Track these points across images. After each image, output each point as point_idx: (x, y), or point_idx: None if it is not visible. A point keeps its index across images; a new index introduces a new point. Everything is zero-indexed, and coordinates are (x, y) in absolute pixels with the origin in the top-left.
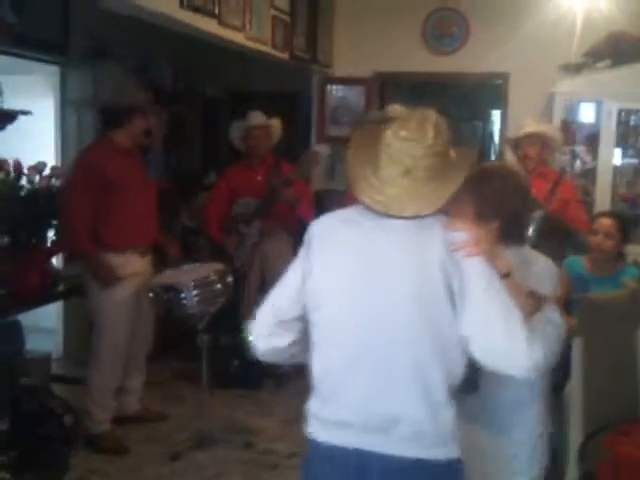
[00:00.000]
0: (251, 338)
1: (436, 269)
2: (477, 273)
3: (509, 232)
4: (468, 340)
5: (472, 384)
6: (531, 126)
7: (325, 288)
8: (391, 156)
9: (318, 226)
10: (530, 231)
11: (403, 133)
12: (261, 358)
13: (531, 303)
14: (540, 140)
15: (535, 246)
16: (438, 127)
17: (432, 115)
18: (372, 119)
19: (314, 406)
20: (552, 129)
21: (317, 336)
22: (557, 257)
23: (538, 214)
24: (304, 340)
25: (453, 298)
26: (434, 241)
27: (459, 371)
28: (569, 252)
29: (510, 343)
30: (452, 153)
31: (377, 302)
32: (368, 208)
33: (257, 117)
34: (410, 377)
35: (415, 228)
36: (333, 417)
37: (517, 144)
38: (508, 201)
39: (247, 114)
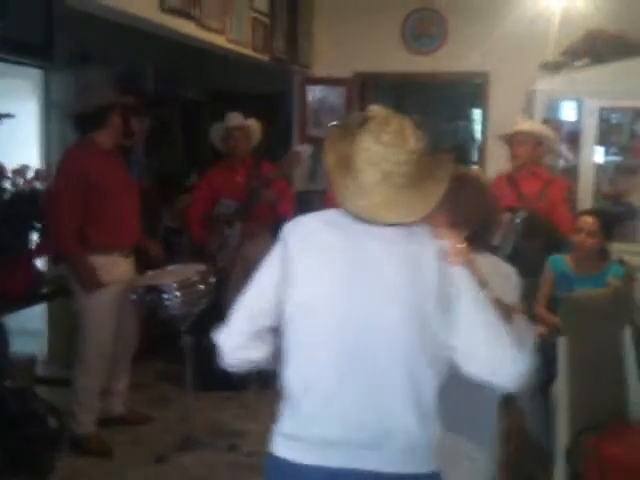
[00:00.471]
0: (221, 345)
1: (430, 277)
2: (465, 282)
3: (478, 240)
4: (455, 350)
5: None
6: (523, 124)
7: (311, 297)
8: (369, 161)
9: (298, 227)
10: (509, 233)
11: (385, 137)
12: (228, 367)
13: (499, 312)
14: (532, 139)
15: (517, 247)
16: (417, 133)
17: (409, 121)
18: (354, 121)
19: (291, 426)
20: (545, 128)
21: (299, 350)
22: (540, 259)
23: (520, 215)
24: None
25: (442, 306)
26: (426, 249)
27: (442, 380)
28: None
29: (501, 354)
30: (429, 161)
31: (369, 310)
32: (350, 214)
33: (235, 118)
34: (404, 388)
35: (405, 235)
36: (318, 436)
37: (509, 142)
38: (480, 209)
39: (226, 115)
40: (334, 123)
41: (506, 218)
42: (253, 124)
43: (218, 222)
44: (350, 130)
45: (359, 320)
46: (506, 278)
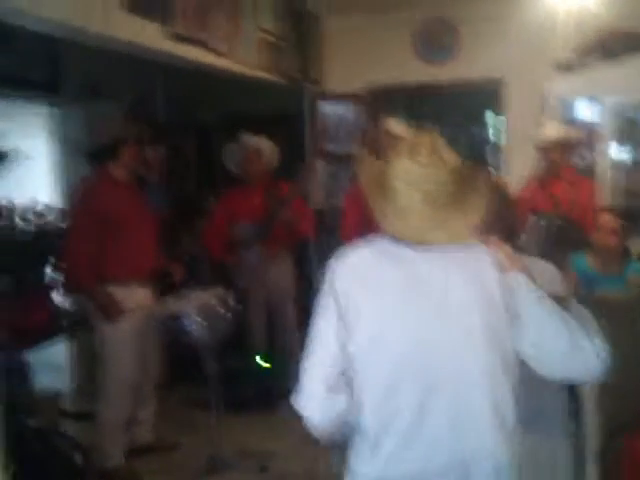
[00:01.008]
0: (305, 411)
1: (493, 291)
2: (526, 287)
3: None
4: (529, 357)
5: None
6: (553, 130)
7: (378, 334)
8: (410, 183)
9: (347, 264)
10: (534, 236)
11: (422, 158)
12: (322, 432)
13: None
14: (565, 144)
15: (543, 251)
16: (450, 148)
17: (439, 137)
18: (380, 141)
19: (373, 467)
20: (574, 131)
21: (373, 389)
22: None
23: (555, 223)
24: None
25: (509, 317)
26: (483, 263)
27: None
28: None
29: (580, 353)
30: (469, 175)
31: (440, 338)
32: (396, 238)
33: (249, 140)
34: (487, 411)
35: (462, 253)
36: (402, 473)
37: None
38: (507, 214)
39: (239, 138)
40: (359, 147)
41: (531, 221)
42: (268, 146)
43: (237, 246)
44: (380, 151)
45: (432, 351)
46: (551, 273)
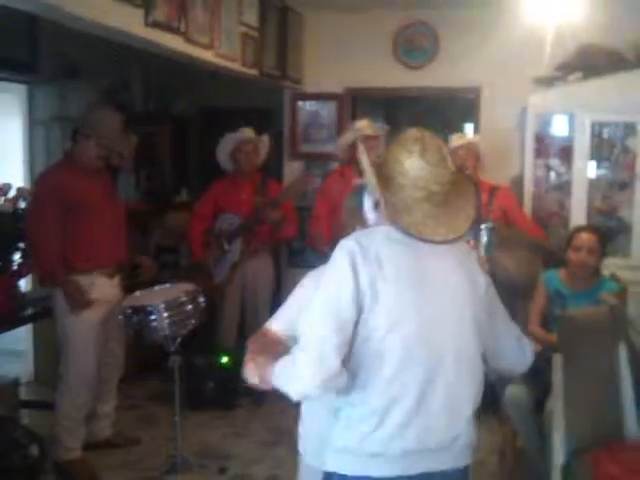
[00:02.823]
0: (314, 376)
1: (482, 289)
2: (493, 289)
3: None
4: (490, 349)
5: None
6: (459, 139)
7: (388, 318)
8: (416, 180)
9: (369, 248)
10: (482, 244)
11: (430, 158)
12: (304, 396)
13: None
14: (469, 152)
15: (492, 258)
16: (448, 151)
17: (438, 138)
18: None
19: (373, 444)
20: (473, 139)
21: (379, 369)
22: (532, 265)
23: (487, 226)
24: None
25: (488, 315)
26: (474, 262)
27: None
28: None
29: (524, 348)
30: (456, 178)
31: (443, 327)
32: (402, 231)
33: (247, 132)
34: (471, 394)
35: (460, 252)
36: (400, 449)
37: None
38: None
39: (238, 130)
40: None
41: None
42: (264, 139)
43: (218, 237)
44: (391, 153)
45: (435, 336)
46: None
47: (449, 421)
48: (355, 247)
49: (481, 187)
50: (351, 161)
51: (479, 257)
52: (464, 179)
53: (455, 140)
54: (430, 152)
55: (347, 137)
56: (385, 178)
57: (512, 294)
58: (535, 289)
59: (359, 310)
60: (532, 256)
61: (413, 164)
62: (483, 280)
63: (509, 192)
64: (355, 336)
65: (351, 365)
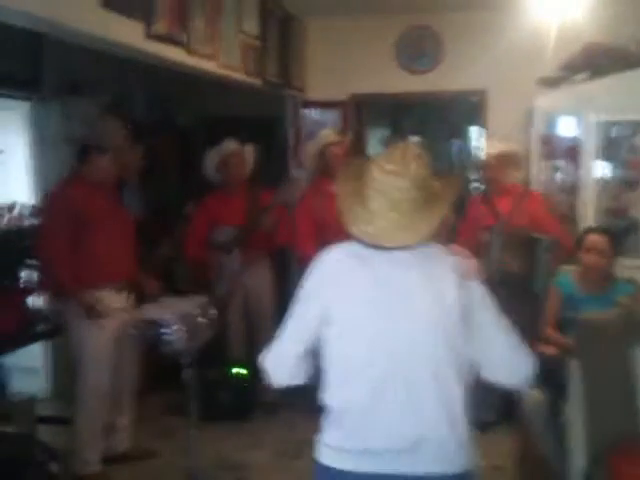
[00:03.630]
0: (272, 368)
1: (451, 293)
2: (485, 297)
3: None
4: (479, 360)
5: None
6: (491, 148)
7: (344, 322)
8: (378, 190)
9: (329, 261)
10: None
11: (388, 167)
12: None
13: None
14: (502, 159)
15: (499, 260)
16: (420, 159)
17: (413, 148)
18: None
19: (335, 438)
20: (510, 146)
21: (336, 370)
22: (524, 271)
23: (498, 229)
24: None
25: (464, 320)
26: (445, 269)
27: (469, 382)
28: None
29: (520, 360)
30: (436, 184)
31: (399, 331)
32: (358, 239)
33: (232, 144)
34: (435, 399)
35: (422, 256)
36: (360, 446)
37: (482, 166)
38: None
39: (221, 143)
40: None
41: (485, 238)
42: (249, 149)
43: (216, 250)
44: (361, 162)
45: (390, 340)
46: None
47: (411, 427)
48: (318, 264)
49: (509, 191)
50: (322, 171)
51: (475, 261)
52: (441, 181)
53: (489, 148)
54: (392, 161)
55: (313, 146)
56: (356, 192)
57: (516, 294)
58: (548, 292)
59: (321, 312)
60: (530, 250)
61: (373, 173)
62: (454, 285)
63: (539, 198)
64: (321, 337)
65: (323, 365)
